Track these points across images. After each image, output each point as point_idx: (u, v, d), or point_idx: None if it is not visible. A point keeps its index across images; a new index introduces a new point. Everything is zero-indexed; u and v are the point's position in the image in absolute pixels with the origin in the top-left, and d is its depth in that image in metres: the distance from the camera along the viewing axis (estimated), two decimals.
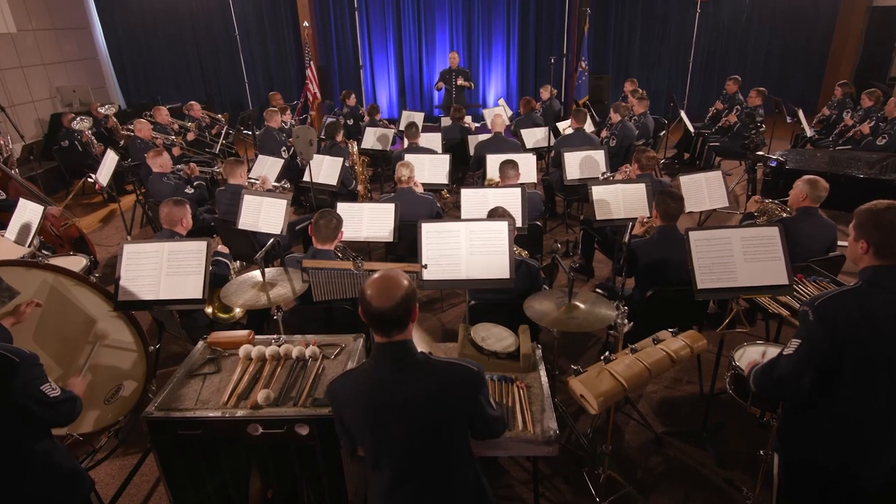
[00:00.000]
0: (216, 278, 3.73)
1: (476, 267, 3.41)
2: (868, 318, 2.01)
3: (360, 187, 7.13)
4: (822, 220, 4.08)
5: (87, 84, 11.25)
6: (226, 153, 8.80)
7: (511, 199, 4.49)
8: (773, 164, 6.68)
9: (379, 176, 8.50)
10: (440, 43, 12.71)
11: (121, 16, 12.27)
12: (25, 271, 3.07)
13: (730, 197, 5.37)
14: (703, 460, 3.45)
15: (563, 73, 12.32)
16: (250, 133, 9.18)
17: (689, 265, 3.13)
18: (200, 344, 3.09)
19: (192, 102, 9.33)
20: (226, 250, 4.22)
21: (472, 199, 4.68)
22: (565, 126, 8.06)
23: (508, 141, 7.15)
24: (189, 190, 6.14)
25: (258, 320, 4.12)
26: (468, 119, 8.96)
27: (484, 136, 7.38)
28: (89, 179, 6.39)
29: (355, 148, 7.44)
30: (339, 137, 7.26)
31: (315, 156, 5.85)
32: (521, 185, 4.84)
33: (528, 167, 5.99)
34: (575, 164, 6.09)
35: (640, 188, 4.74)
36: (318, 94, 11.68)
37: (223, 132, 8.83)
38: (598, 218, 4.78)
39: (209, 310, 3.75)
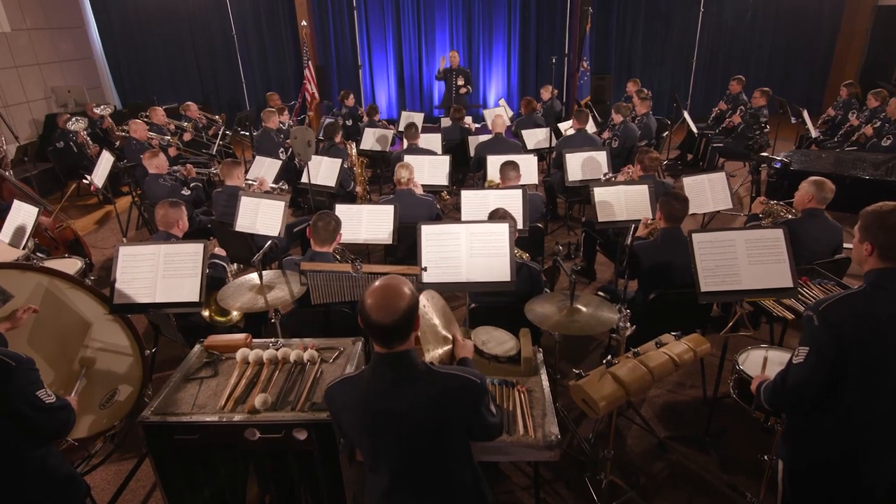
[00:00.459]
0: (213, 281, 3.73)
1: (476, 269, 3.41)
2: (873, 321, 2.02)
3: (358, 189, 7.13)
4: (828, 221, 4.09)
5: (83, 84, 11.28)
6: (223, 154, 8.82)
7: (512, 201, 4.50)
8: (778, 166, 6.69)
9: (378, 177, 8.50)
10: (440, 42, 12.73)
11: (116, 15, 12.29)
12: (20, 274, 3.08)
13: (733, 199, 5.38)
14: (707, 465, 3.45)
15: (565, 72, 12.34)
16: (248, 134, 9.19)
17: (692, 268, 3.14)
18: (197, 347, 3.09)
19: (189, 103, 9.35)
20: (223, 253, 4.22)
21: (473, 201, 4.69)
22: (567, 127, 8.07)
23: (509, 142, 7.17)
24: (185, 191, 6.14)
25: (256, 323, 4.12)
26: (468, 120, 8.97)
27: (484, 137, 7.40)
28: (84, 181, 6.40)
29: (354, 149, 7.45)
30: (338, 138, 7.27)
31: (313, 157, 5.85)
32: (522, 186, 4.85)
33: (529, 168, 6.01)
34: (577, 166, 6.10)
35: (643, 190, 4.75)
36: (317, 95, 11.70)
37: (220, 133, 8.84)
38: (600, 220, 4.78)
39: (206, 313, 3.75)
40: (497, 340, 3.01)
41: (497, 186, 5.29)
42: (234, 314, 3.87)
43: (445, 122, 8.81)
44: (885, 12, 11.16)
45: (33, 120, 10.30)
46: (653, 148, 7.23)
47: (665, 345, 2.70)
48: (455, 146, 7.80)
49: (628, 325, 2.84)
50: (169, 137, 8.07)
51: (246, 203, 4.89)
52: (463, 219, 4.63)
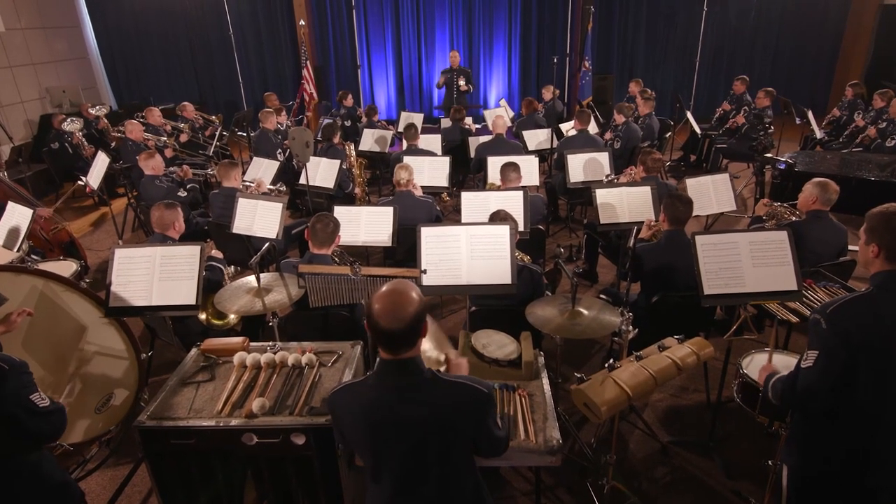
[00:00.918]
0: (210, 284, 3.74)
1: (477, 272, 3.42)
2: (879, 324, 2.02)
3: (357, 190, 7.14)
4: (833, 223, 4.09)
5: (78, 84, 11.28)
6: (220, 155, 8.82)
7: (513, 203, 4.50)
8: (782, 167, 6.70)
9: (377, 179, 8.51)
10: (440, 42, 12.75)
11: (112, 14, 12.31)
12: (14, 277, 3.08)
13: (737, 200, 5.38)
14: (710, 470, 3.45)
15: (566, 73, 12.34)
16: (245, 135, 9.20)
17: (695, 270, 3.15)
18: (194, 351, 3.10)
19: (186, 103, 9.35)
20: (220, 255, 4.23)
21: (473, 203, 4.70)
22: (568, 127, 8.09)
23: (510, 143, 7.17)
24: (182, 193, 6.15)
25: (253, 327, 4.12)
26: (468, 120, 8.98)
27: (485, 138, 7.41)
28: (80, 182, 6.40)
29: (353, 150, 7.46)
30: (337, 139, 7.28)
31: (311, 158, 5.86)
32: (523, 188, 4.86)
33: (530, 170, 6.02)
34: (578, 167, 6.11)
35: (646, 191, 4.76)
36: (315, 95, 11.70)
37: (217, 134, 8.84)
38: (602, 222, 4.79)
39: (203, 316, 3.76)
40: (498, 344, 3.01)
41: (497, 188, 5.30)
42: (232, 317, 3.87)
43: (445, 122, 8.82)
44: (891, 11, 11.17)
45: (28, 120, 10.31)
46: (655, 149, 7.23)
47: (668, 348, 2.71)
48: (455, 147, 7.81)
49: (630, 328, 2.84)
50: (165, 138, 8.08)
51: (243, 205, 4.90)
52: (463, 221, 4.64)
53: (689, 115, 8.64)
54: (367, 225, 4.76)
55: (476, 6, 12.49)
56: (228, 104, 13.00)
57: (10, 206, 4.75)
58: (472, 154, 7.42)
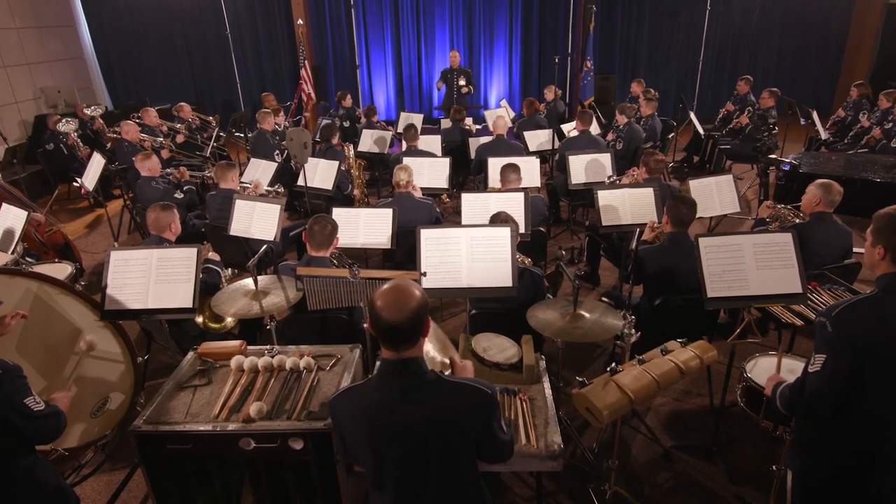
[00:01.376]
0: (207, 286, 3.74)
1: (477, 275, 3.42)
2: (885, 326, 2.03)
3: (356, 192, 7.15)
4: (837, 225, 4.10)
5: (73, 84, 11.29)
6: (217, 156, 8.83)
7: (513, 205, 4.50)
8: (787, 168, 6.71)
9: (376, 180, 8.51)
10: (440, 42, 12.77)
11: (108, 13, 12.33)
12: (8, 279, 3.08)
13: (741, 202, 5.39)
14: (714, 475, 3.45)
15: (568, 73, 12.37)
16: (242, 135, 9.21)
17: (698, 273, 3.15)
18: (190, 355, 3.10)
19: (182, 104, 9.37)
20: (217, 258, 4.23)
21: (473, 205, 4.71)
22: (570, 128, 8.09)
23: (511, 144, 7.18)
24: (178, 194, 6.16)
25: (250, 330, 4.13)
26: (469, 121, 8.99)
27: (485, 139, 7.42)
28: (75, 184, 6.42)
29: (351, 151, 7.47)
30: (335, 140, 7.29)
31: (310, 159, 5.87)
32: (524, 189, 4.86)
33: (531, 171, 6.02)
34: (580, 168, 6.12)
35: (648, 193, 4.76)
36: (313, 95, 11.72)
37: (214, 135, 8.86)
38: (604, 224, 4.79)
39: (199, 319, 3.76)
40: (498, 347, 3.02)
41: (498, 190, 5.30)
42: (229, 320, 3.88)
43: (445, 123, 8.83)
44: None
45: (22, 121, 10.32)
46: (658, 150, 7.24)
47: (671, 352, 2.71)
48: (455, 148, 7.82)
49: (633, 331, 2.84)
50: (161, 139, 8.10)
51: (240, 206, 4.90)
52: (463, 222, 4.64)
53: (692, 115, 8.66)
54: (366, 227, 4.77)
55: (476, 5, 12.52)
56: (225, 104, 13.02)
57: (5, 207, 4.76)
58: (473, 155, 7.43)
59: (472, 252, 3.44)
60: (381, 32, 12.79)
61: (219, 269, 4.08)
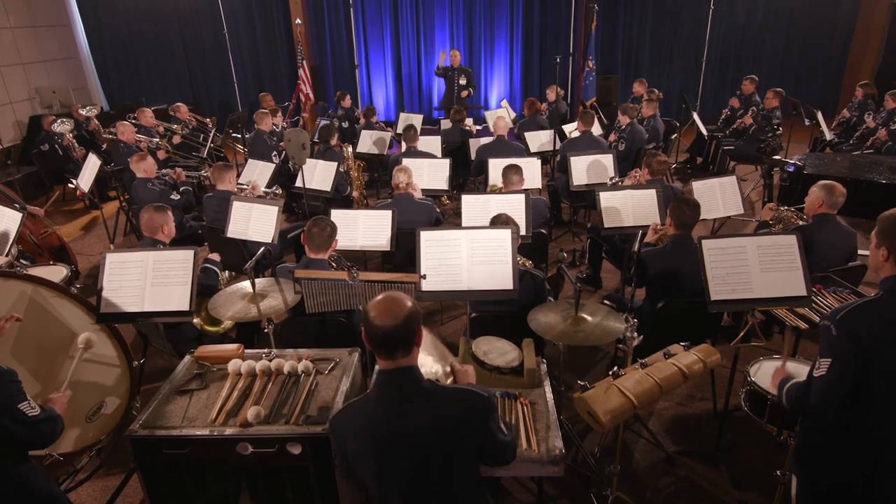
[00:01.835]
0: (204, 288, 3.75)
1: (478, 277, 3.43)
2: (890, 329, 2.03)
3: (355, 193, 7.16)
4: (841, 227, 4.10)
5: (68, 85, 11.31)
6: (214, 157, 8.84)
7: (514, 206, 4.51)
8: (791, 169, 6.71)
9: (375, 181, 8.53)
10: (440, 41, 12.79)
11: (103, 13, 12.35)
12: (3, 282, 3.08)
13: (745, 203, 5.39)
14: (717, 481, 3.46)
15: (570, 73, 12.39)
16: (240, 136, 9.22)
17: (702, 275, 3.15)
18: (187, 358, 3.10)
19: (179, 104, 9.38)
20: (217, 258, 4.22)
21: (474, 206, 4.71)
22: (572, 129, 8.10)
23: (511, 144, 7.20)
24: (175, 196, 6.16)
25: (248, 333, 4.13)
26: (469, 121, 9.00)
27: (486, 140, 7.43)
28: (70, 185, 6.41)
29: (350, 152, 7.47)
30: (334, 141, 7.29)
31: (308, 160, 5.88)
32: (525, 191, 4.86)
33: (532, 172, 6.03)
34: (582, 169, 6.12)
35: (651, 194, 4.76)
36: (311, 96, 11.74)
37: (211, 135, 8.87)
38: (606, 226, 4.79)
39: (196, 321, 3.76)
40: (499, 351, 3.02)
41: (499, 191, 5.31)
42: (226, 322, 3.88)
43: (445, 123, 8.84)
44: None
45: (17, 122, 10.33)
46: (661, 151, 7.25)
47: (674, 355, 2.71)
48: (455, 149, 7.83)
49: (635, 334, 2.84)
50: (158, 140, 8.10)
51: (238, 208, 4.91)
52: (463, 224, 4.65)
53: (695, 116, 8.66)
54: (365, 229, 4.77)
55: (477, 4, 12.54)
56: (223, 105, 13.04)
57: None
58: (473, 156, 7.45)
59: (472, 254, 3.44)
60: (381, 32, 12.81)
61: (217, 270, 4.08)
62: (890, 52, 11.50)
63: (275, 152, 7.76)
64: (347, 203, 6.84)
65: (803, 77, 12.45)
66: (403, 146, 7.21)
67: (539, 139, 7.77)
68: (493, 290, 3.42)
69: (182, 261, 3.35)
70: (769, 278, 3.12)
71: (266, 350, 3.09)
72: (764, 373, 2.99)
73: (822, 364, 2.12)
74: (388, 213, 4.77)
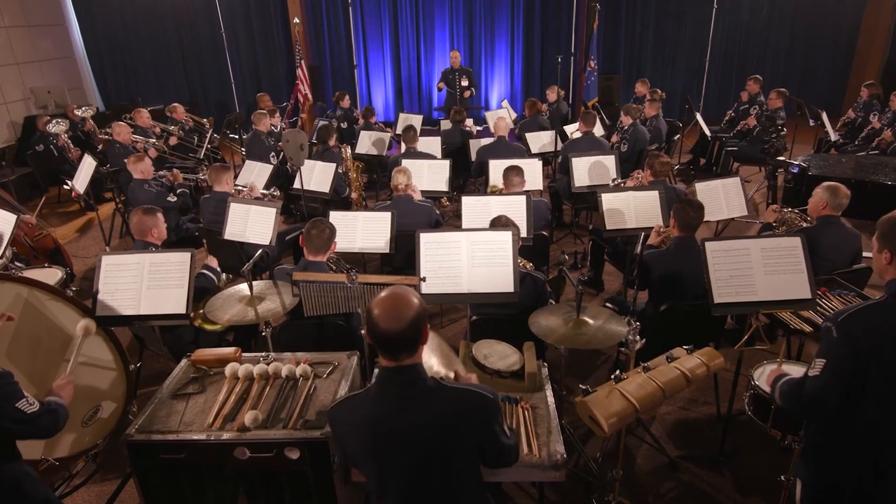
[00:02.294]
0: (200, 291, 3.74)
1: (478, 280, 3.43)
2: (893, 332, 2.04)
3: (354, 195, 7.15)
4: (846, 228, 4.11)
5: (64, 85, 11.31)
6: (211, 158, 8.84)
7: (515, 208, 4.52)
8: (795, 170, 6.72)
9: (374, 183, 8.54)
10: (440, 41, 12.81)
11: (99, 12, 12.36)
12: None
13: (749, 205, 5.40)
14: (721, 486, 3.46)
15: (571, 73, 12.39)
16: (237, 137, 9.23)
17: (705, 278, 3.16)
18: (184, 362, 3.11)
19: (175, 104, 9.38)
20: (214, 263, 4.22)
21: (474, 208, 4.72)
22: (573, 129, 8.10)
23: (512, 145, 7.20)
24: (172, 198, 6.17)
25: (246, 337, 4.14)
26: (469, 122, 9.00)
27: (486, 141, 7.44)
28: (65, 186, 6.42)
29: (349, 153, 7.47)
30: (332, 142, 7.30)
31: (306, 161, 5.88)
32: (526, 192, 4.87)
33: (533, 173, 6.04)
34: (583, 170, 6.13)
35: (653, 196, 4.77)
36: (310, 96, 11.75)
37: (208, 136, 8.87)
38: (608, 227, 4.79)
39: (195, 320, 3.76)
40: (499, 354, 3.02)
41: (500, 192, 5.31)
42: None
43: (445, 124, 8.84)
44: None
45: (11, 122, 10.34)
46: (664, 152, 7.26)
47: (676, 359, 2.72)
48: (455, 150, 7.84)
49: (638, 338, 2.85)
50: (154, 141, 8.11)
51: (235, 210, 4.91)
52: (464, 226, 4.65)
53: (698, 116, 8.67)
54: (364, 231, 4.78)
55: (477, 4, 12.55)
56: (220, 105, 13.05)
57: None
58: (473, 157, 7.45)
59: (472, 256, 3.45)
60: (380, 31, 12.82)
61: (212, 275, 4.07)
62: None
63: (273, 153, 7.77)
64: (346, 205, 6.84)
65: (808, 77, 12.46)
66: (403, 147, 7.21)
67: (540, 140, 7.78)
68: (493, 293, 3.42)
69: (179, 263, 3.36)
70: (773, 281, 3.13)
71: (264, 353, 3.10)
72: (767, 376, 2.99)
73: (817, 364, 2.15)
74: (387, 215, 4.78)
